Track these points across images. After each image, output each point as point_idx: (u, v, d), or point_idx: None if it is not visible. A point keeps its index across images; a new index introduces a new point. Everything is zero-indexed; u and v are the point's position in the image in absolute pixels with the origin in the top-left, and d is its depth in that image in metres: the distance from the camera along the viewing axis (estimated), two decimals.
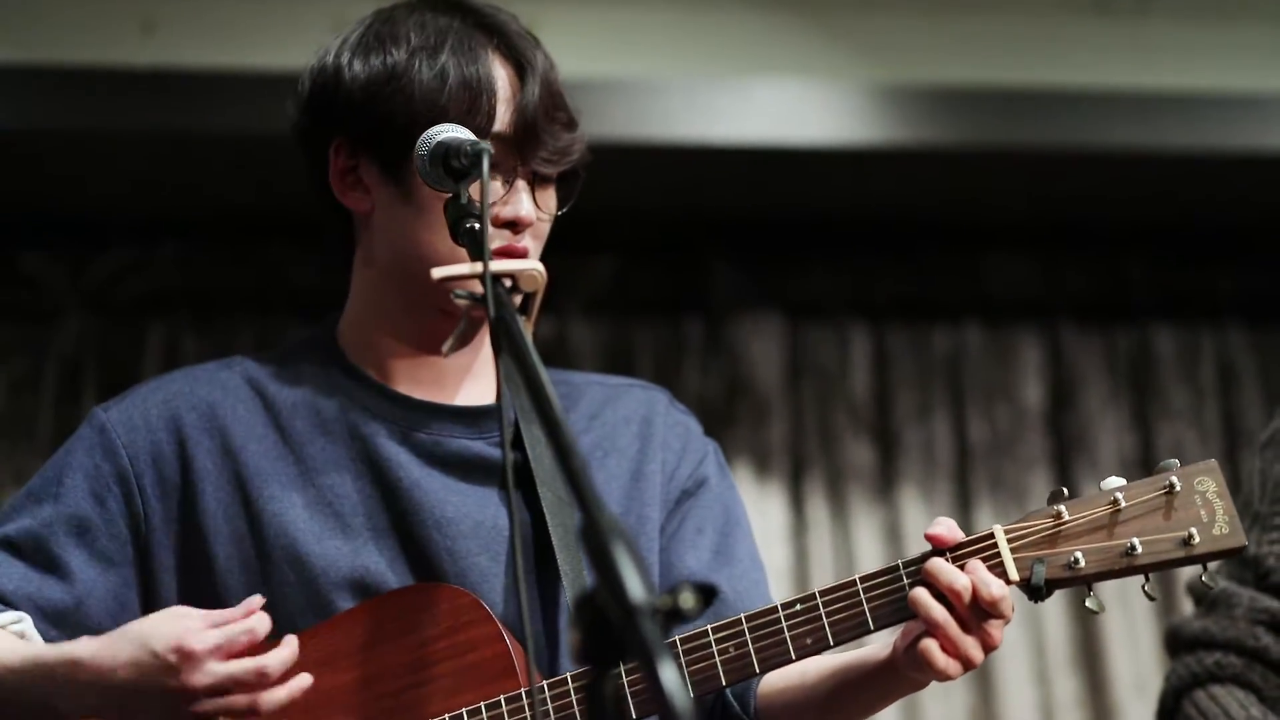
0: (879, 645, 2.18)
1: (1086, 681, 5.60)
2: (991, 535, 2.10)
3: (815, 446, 5.56)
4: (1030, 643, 5.48)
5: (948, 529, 2.12)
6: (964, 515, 5.61)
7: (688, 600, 1.44)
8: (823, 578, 5.42)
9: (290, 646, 2.14)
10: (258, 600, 2.15)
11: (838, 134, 5.09)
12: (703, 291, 5.60)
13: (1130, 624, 5.59)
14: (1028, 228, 5.75)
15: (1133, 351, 5.87)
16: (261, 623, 2.12)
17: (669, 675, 1.35)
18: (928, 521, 5.60)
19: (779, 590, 5.33)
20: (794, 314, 5.65)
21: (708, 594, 1.52)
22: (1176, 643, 2.91)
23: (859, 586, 2.12)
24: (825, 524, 5.54)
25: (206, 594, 2.28)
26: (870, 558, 5.45)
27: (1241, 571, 2.87)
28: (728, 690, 2.28)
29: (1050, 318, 5.78)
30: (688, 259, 5.61)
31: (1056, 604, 5.46)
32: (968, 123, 5.16)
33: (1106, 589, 2.19)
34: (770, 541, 5.42)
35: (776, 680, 2.28)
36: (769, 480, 5.54)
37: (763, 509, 5.48)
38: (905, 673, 2.15)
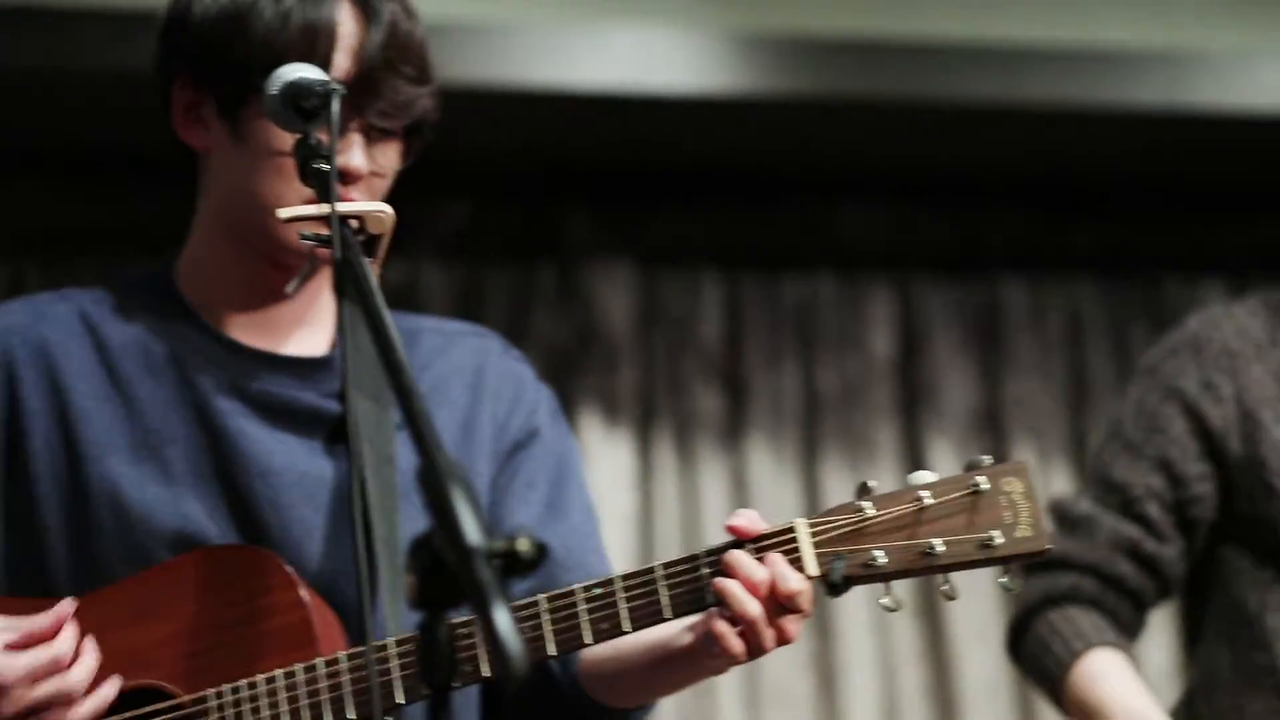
0: (684, 628, 2.17)
1: (927, 630, 5.67)
2: (793, 529, 2.08)
3: (664, 394, 5.57)
4: (869, 591, 5.52)
5: (748, 520, 2.10)
6: (811, 464, 5.64)
7: (524, 545, 1.44)
8: (668, 525, 5.43)
9: (92, 654, 2.13)
10: (68, 608, 2.13)
11: (694, 82, 5.09)
12: (555, 238, 5.59)
13: (971, 576, 5.64)
14: (881, 179, 5.78)
15: (982, 303, 5.91)
16: (66, 643, 2.10)
17: (503, 618, 1.36)
18: (775, 469, 5.66)
19: (623, 536, 5.35)
20: (646, 261, 5.64)
21: (543, 548, 1.52)
22: (1035, 562, 2.94)
23: (658, 574, 2.10)
24: (672, 471, 5.55)
25: (30, 539, 2.25)
26: (716, 505, 5.46)
27: (1107, 496, 2.90)
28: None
29: (901, 269, 5.82)
30: (541, 205, 5.59)
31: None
32: (825, 72, 5.17)
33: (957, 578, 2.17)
34: (616, 488, 5.43)
35: (598, 651, 2.26)
36: (617, 427, 5.54)
37: (610, 456, 5.49)
38: (701, 659, 2.14)
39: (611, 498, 5.36)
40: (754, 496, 5.50)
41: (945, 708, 5.62)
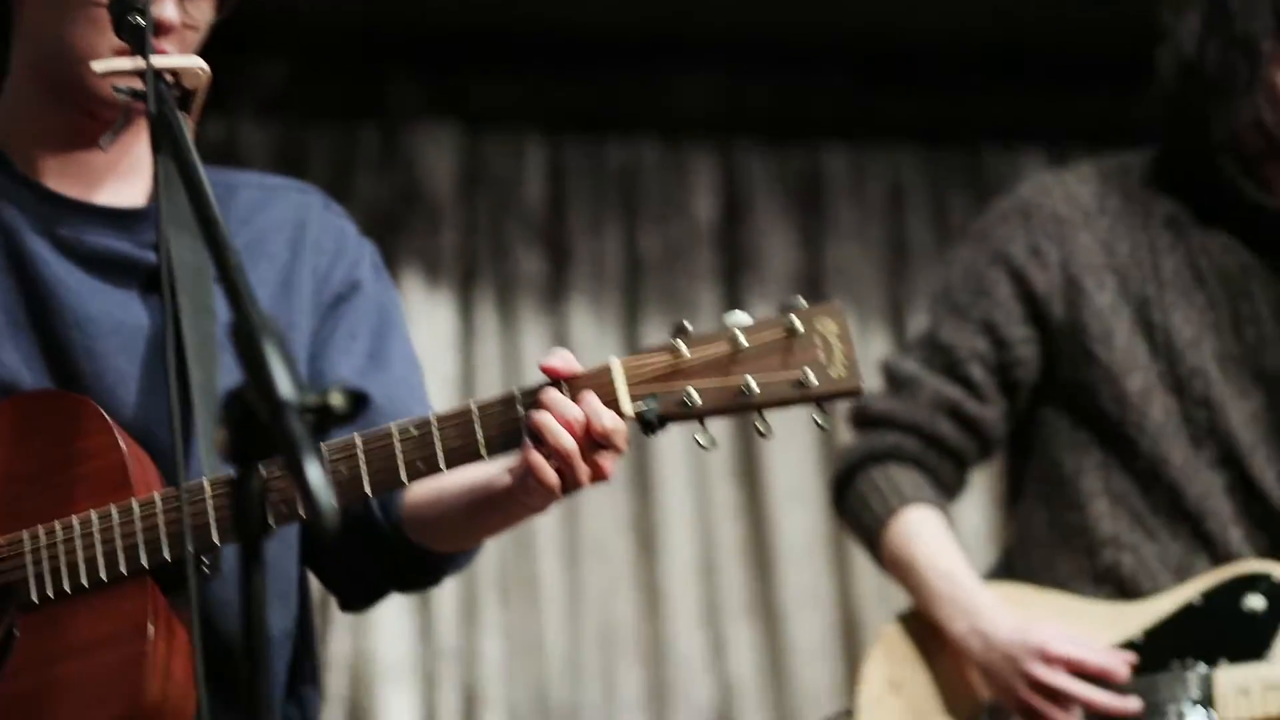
0: (504, 470, 2.17)
1: (744, 489, 5.73)
2: (608, 368, 2.07)
3: (486, 256, 5.57)
4: (688, 451, 5.58)
5: (564, 360, 2.10)
6: (632, 328, 5.66)
7: (337, 399, 1.44)
8: (489, 387, 5.43)
9: None
10: None
11: None
12: (378, 99, 5.55)
13: (790, 434, 5.72)
14: (706, 45, 5.78)
15: (804, 170, 5.95)
16: None
17: (314, 472, 1.37)
18: (596, 333, 5.68)
19: (444, 398, 5.34)
20: (470, 124, 5.62)
21: (358, 401, 1.52)
22: (860, 420, 2.98)
23: (474, 413, 2.08)
24: (494, 333, 5.56)
25: None
26: (537, 367, 5.46)
27: (932, 357, 2.94)
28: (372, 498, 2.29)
29: (725, 135, 5.84)
30: (363, 66, 5.55)
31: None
32: None
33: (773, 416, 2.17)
34: (438, 350, 5.42)
35: (420, 492, 2.28)
36: (438, 289, 5.53)
37: (431, 318, 5.48)
38: (518, 497, 2.14)
39: (432, 360, 5.35)
40: (576, 360, 5.51)
41: (761, 565, 5.71)
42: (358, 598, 2.45)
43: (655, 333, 5.60)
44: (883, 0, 5.49)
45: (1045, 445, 2.95)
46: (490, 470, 2.19)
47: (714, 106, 5.80)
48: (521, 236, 5.60)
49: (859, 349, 5.12)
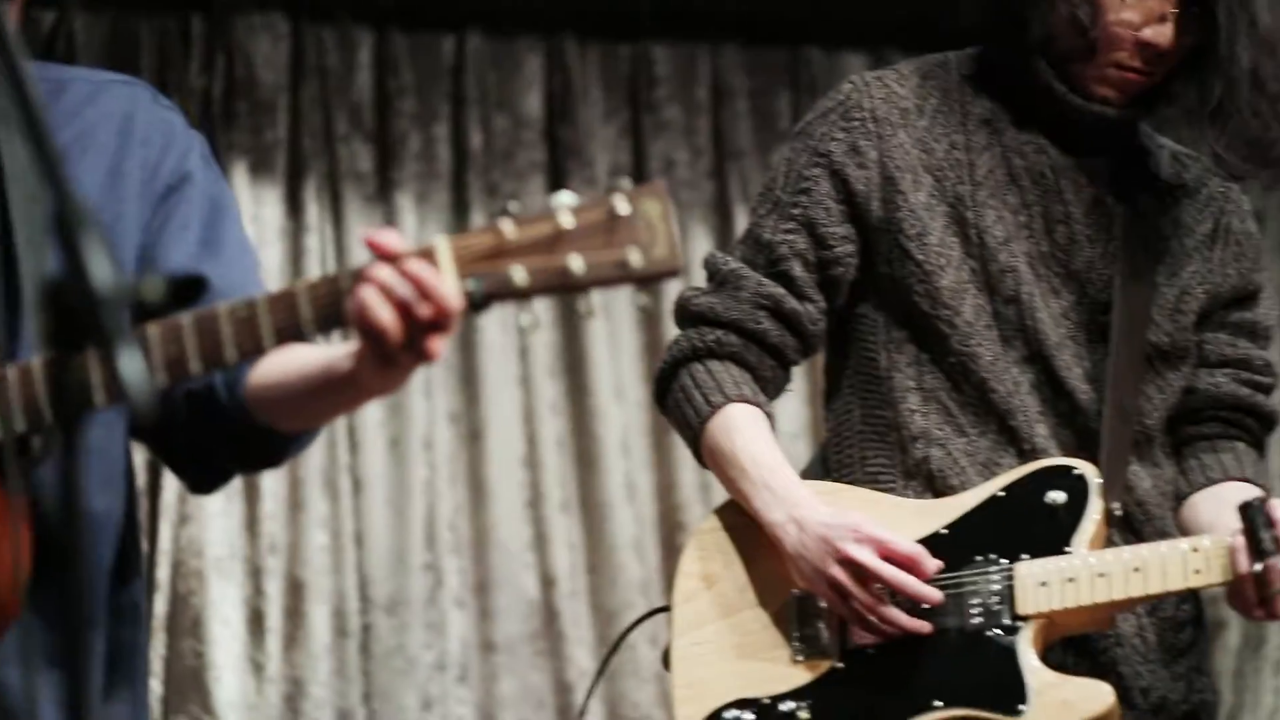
0: (346, 354, 2.16)
1: (568, 385, 5.78)
2: (434, 247, 2.04)
3: (315, 149, 5.55)
4: (513, 347, 5.61)
5: (389, 237, 2.07)
6: (459, 222, 5.67)
7: (153, 288, 1.45)
8: None
9: None
10: None
11: None
12: None
13: (613, 331, 5.76)
14: None
15: (630, 68, 5.97)
16: None
17: (126, 359, 1.38)
18: (424, 227, 5.67)
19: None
20: (298, 16, 5.58)
21: (192, 286, 1.52)
22: (682, 316, 2.99)
23: (300, 291, 2.07)
24: (322, 226, 5.54)
25: None
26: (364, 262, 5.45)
27: (755, 255, 2.96)
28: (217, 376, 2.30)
29: (552, 30, 5.84)
30: None
31: (541, 307, 5.58)
32: None
33: (596, 297, 2.16)
34: (266, 243, 5.40)
35: (264, 372, 2.29)
36: (266, 182, 5.51)
37: (259, 211, 5.46)
38: (357, 378, 2.15)
39: (261, 253, 5.33)
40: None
41: (583, 459, 5.76)
42: (204, 478, 2.46)
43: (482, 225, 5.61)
44: None
45: (862, 342, 2.98)
46: (334, 351, 2.20)
47: (540, 3, 5.79)
48: (349, 129, 5.58)
49: (684, 246, 5.20)
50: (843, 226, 2.93)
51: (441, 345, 2.06)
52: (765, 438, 2.92)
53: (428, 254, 2.05)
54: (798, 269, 2.93)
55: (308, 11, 5.56)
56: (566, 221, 2.03)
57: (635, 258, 2.03)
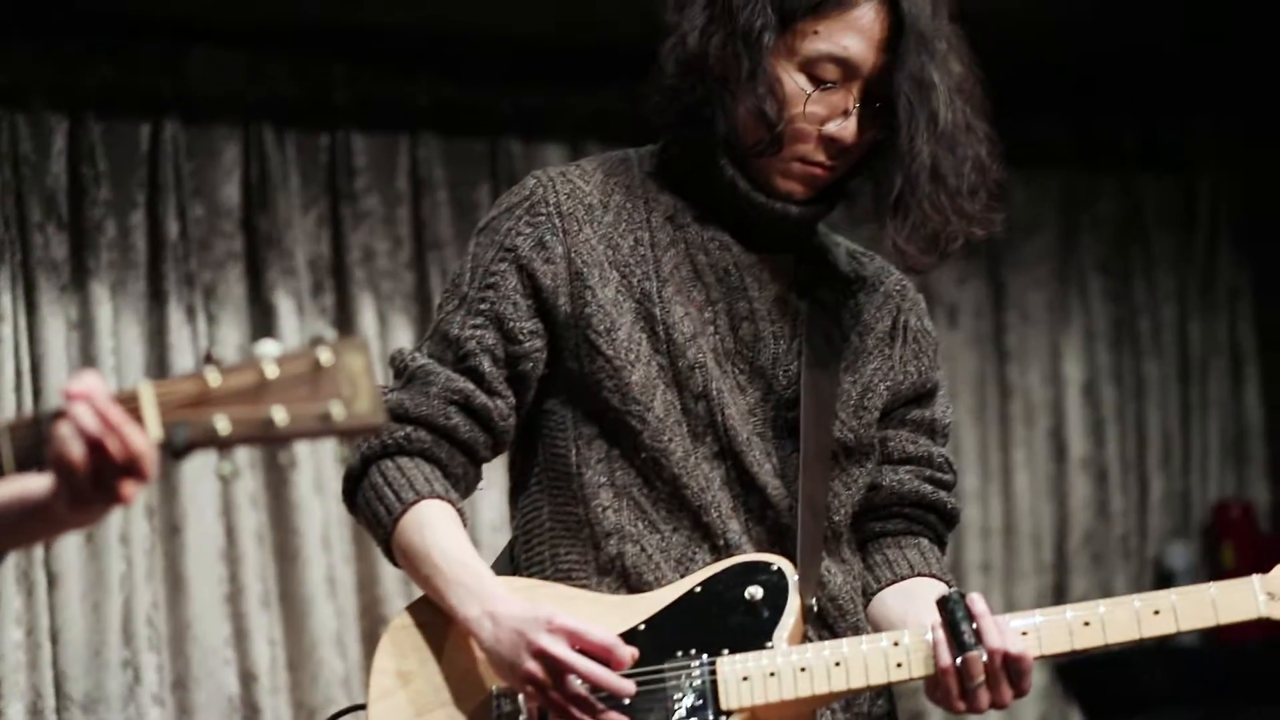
0: (42, 483, 2.13)
1: (268, 478, 5.73)
2: (137, 393, 2.04)
3: (8, 237, 5.43)
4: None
5: (91, 381, 2.05)
6: (158, 310, 5.60)
7: None
8: (9, 370, 5.32)
9: None
10: None
11: None
12: None
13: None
14: (231, 25, 5.75)
15: (330, 156, 5.97)
16: None
17: None
18: (119, 317, 5.57)
19: None
20: None
21: None
22: None
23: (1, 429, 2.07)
24: (15, 316, 5.41)
25: None
26: (59, 350, 5.34)
27: (443, 350, 2.95)
28: None
29: (249, 118, 5.81)
30: None
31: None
32: None
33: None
34: None
35: None
36: None
37: None
38: (54, 513, 2.11)
39: None
40: (98, 344, 5.43)
41: (283, 552, 5.71)
42: None
43: (177, 316, 5.56)
44: None
45: (550, 438, 2.98)
46: (29, 483, 2.16)
47: (238, 88, 5.77)
48: (43, 217, 5.48)
49: (385, 337, 5.20)
50: (531, 321, 2.94)
51: (135, 490, 2.05)
52: (458, 534, 2.90)
53: (130, 399, 2.04)
54: (487, 364, 2.93)
55: (0, 98, 5.46)
56: (270, 371, 2.03)
57: (338, 411, 2.03)
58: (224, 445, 2.04)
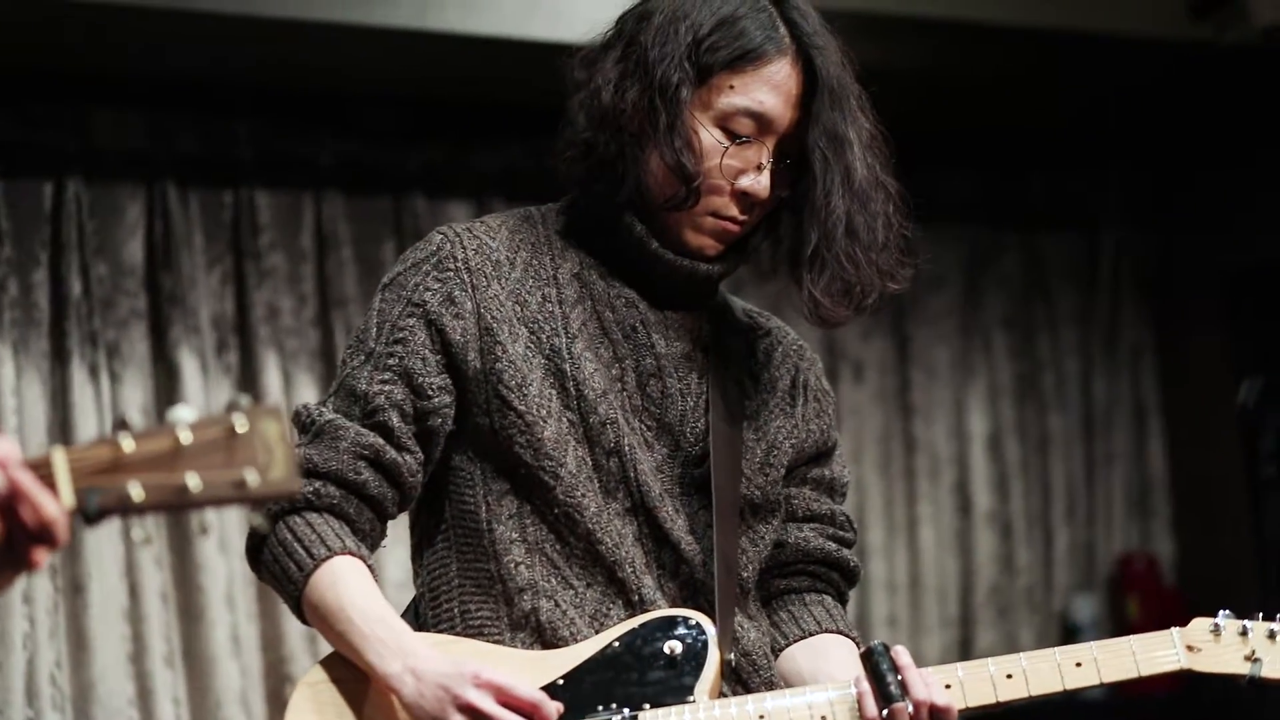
0: None
1: (171, 537, 5.69)
2: (49, 459, 2.03)
3: None
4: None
5: (2, 449, 2.04)
6: (60, 369, 5.56)
7: None
8: None
9: None
10: None
11: None
12: None
13: None
14: (136, 83, 5.73)
15: (233, 213, 5.94)
16: None
17: None
18: (22, 375, 5.52)
19: None
20: None
21: None
22: None
23: None
24: None
25: None
26: None
27: (350, 406, 2.92)
28: None
29: (153, 176, 5.79)
30: None
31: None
32: None
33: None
34: None
35: None
36: None
37: None
38: None
39: None
40: (0, 403, 5.40)
41: (187, 611, 5.66)
42: None
43: (80, 375, 5.52)
44: (310, 45, 5.52)
45: (459, 494, 2.97)
46: None
47: (141, 146, 5.75)
48: None
49: (289, 394, 5.16)
50: (440, 377, 2.92)
51: (45, 557, 2.04)
52: (372, 590, 2.87)
53: (42, 465, 2.03)
54: (395, 420, 2.90)
55: None
56: (185, 438, 2.02)
57: (253, 478, 2.03)
58: (137, 512, 2.03)
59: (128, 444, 2.02)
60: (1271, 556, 5.95)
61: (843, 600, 3.17)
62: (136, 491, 2.01)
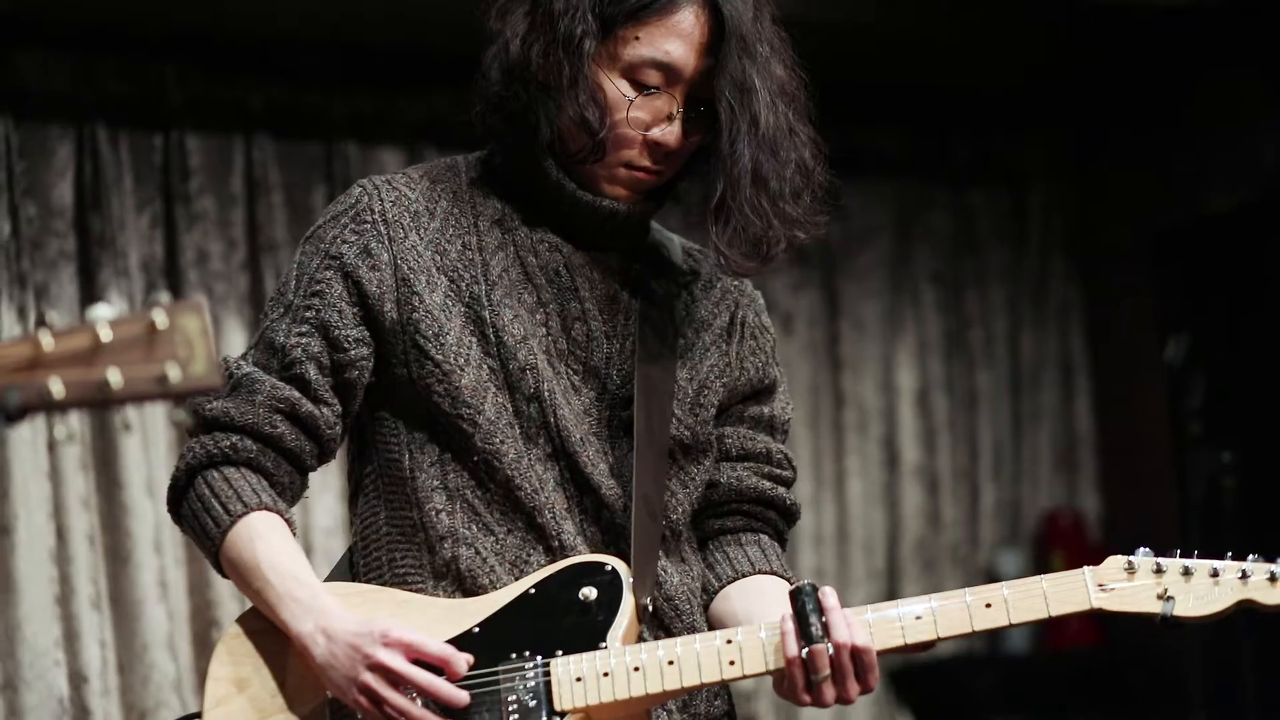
0: None
1: (99, 480, 5.68)
2: None
3: None
4: (42, 440, 5.49)
5: None
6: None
7: None
8: None
9: None
10: None
11: None
12: None
13: (145, 425, 5.70)
14: (63, 24, 5.70)
15: (164, 157, 5.93)
16: None
17: None
18: None
19: None
20: None
21: None
22: (196, 422, 2.93)
23: None
24: None
25: None
26: None
27: (268, 359, 2.93)
28: None
29: (82, 118, 5.76)
30: None
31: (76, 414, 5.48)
32: None
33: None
34: None
35: None
36: None
37: None
38: None
39: None
40: None
41: (115, 554, 5.66)
42: None
43: (9, 317, 5.51)
44: None
45: (383, 444, 2.98)
46: None
47: (70, 89, 5.72)
48: None
49: (219, 340, 5.15)
50: (357, 329, 2.93)
51: None
52: (288, 547, 2.88)
53: None
54: (313, 372, 2.92)
55: None
56: (105, 334, 2.02)
57: (174, 373, 2.03)
58: (58, 408, 2.03)
59: (47, 341, 2.02)
60: (1195, 513, 6.01)
61: (780, 539, 3.15)
62: (57, 388, 2.01)
